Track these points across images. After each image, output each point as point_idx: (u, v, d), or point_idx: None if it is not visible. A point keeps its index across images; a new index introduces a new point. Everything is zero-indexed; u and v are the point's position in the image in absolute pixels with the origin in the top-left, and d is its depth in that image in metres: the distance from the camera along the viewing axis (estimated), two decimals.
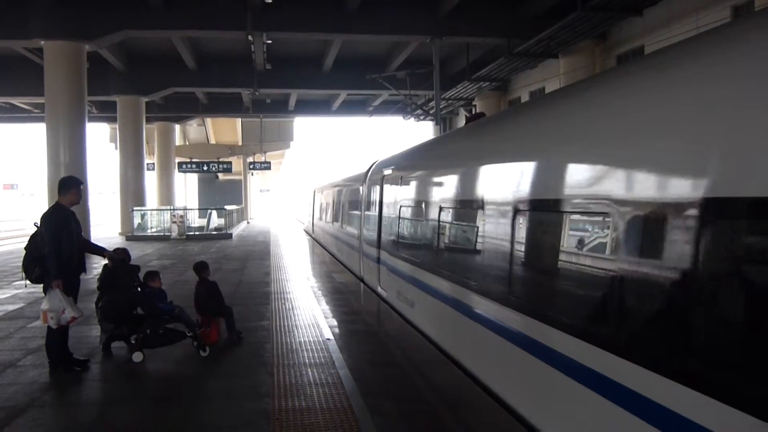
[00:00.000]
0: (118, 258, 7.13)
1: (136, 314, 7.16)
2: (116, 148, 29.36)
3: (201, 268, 8.08)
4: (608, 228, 3.56)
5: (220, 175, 50.70)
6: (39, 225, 6.45)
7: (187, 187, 54.25)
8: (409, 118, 27.86)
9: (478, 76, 22.26)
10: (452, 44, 21.61)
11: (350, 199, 15.30)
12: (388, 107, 31.66)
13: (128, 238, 25.02)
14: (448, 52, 23.64)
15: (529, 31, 17.65)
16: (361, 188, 13.43)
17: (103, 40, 18.32)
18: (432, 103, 23.40)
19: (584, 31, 16.47)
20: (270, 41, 18.81)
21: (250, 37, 17.84)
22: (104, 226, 31.68)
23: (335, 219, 18.11)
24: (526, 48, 18.38)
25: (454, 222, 6.85)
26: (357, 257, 13.48)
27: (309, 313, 9.57)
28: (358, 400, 5.50)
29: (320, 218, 23.11)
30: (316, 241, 24.41)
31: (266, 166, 44.08)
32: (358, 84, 25.66)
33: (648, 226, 3.20)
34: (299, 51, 23.83)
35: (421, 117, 27.15)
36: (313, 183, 31.20)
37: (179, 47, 21.23)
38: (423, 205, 7.94)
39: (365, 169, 13.56)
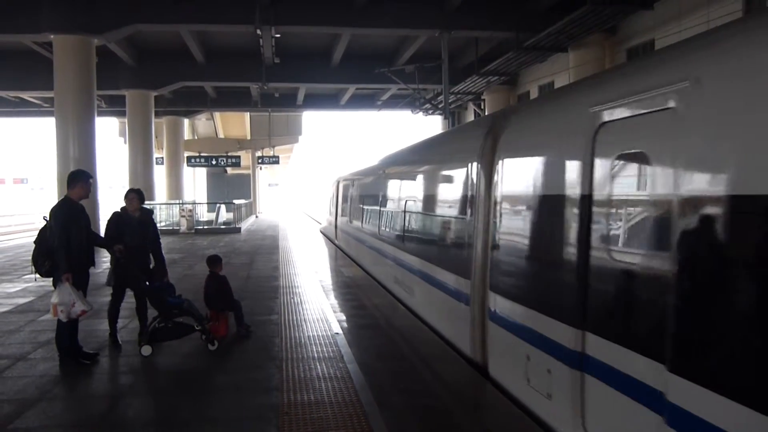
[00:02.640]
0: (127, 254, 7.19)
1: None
2: (125, 142, 29.37)
3: (213, 262, 8.09)
4: None
5: (229, 170, 50.86)
6: (48, 219, 6.48)
7: (195, 182, 54.37)
8: (417, 113, 27.76)
9: (486, 70, 22.13)
10: (461, 38, 21.50)
11: (433, 193, 8.57)
12: (396, 101, 31.59)
13: None
14: (457, 46, 23.52)
15: (539, 25, 17.53)
16: (472, 168, 6.66)
17: (113, 34, 18.31)
18: (441, 98, 23.29)
19: (594, 24, 16.32)
20: (278, 35, 18.75)
21: (258, 31, 17.79)
22: None
23: (389, 225, 11.41)
24: (536, 42, 18.24)
25: None
26: (465, 317, 6.52)
27: (317, 308, 9.58)
28: (367, 394, 5.50)
29: (351, 220, 17.04)
30: (342, 251, 18.43)
31: (275, 160, 44.10)
32: (366, 78, 25.57)
33: None
34: (308, 45, 23.77)
35: (430, 111, 27.05)
36: (337, 172, 24.02)
37: (188, 41, 21.22)
38: None
39: (479, 130, 6.86)
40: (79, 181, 6.68)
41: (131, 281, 7.29)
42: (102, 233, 7.69)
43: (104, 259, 15.55)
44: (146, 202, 7.83)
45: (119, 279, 7.31)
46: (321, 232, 26.84)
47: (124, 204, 7.66)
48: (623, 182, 4.00)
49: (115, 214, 7.56)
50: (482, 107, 28.42)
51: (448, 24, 18.63)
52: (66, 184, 6.82)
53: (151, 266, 7.62)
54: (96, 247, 7.07)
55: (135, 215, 7.50)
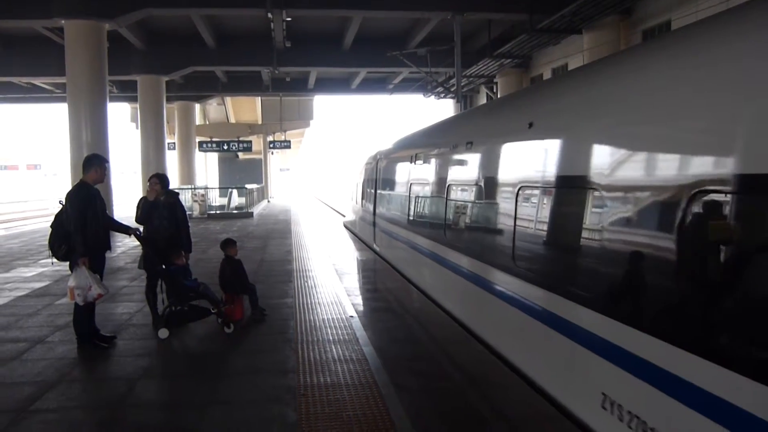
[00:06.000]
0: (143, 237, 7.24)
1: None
2: (137, 127, 29.52)
3: (228, 245, 8.12)
4: None
5: (240, 154, 50.93)
6: (64, 203, 6.50)
7: (207, 166, 54.51)
8: (429, 96, 27.65)
9: (499, 52, 21.96)
10: (474, 20, 21.32)
11: None
12: (408, 85, 31.41)
13: None
14: (470, 29, 23.30)
15: (552, 6, 17.32)
16: None
17: (124, 18, 18.30)
18: (453, 81, 23.14)
19: (609, 5, 16.13)
20: (289, 18, 18.66)
21: (269, 15, 17.71)
22: (127, 206, 31.95)
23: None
24: (549, 24, 18.05)
25: None
26: None
27: (331, 291, 9.60)
28: (383, 376, 5.53)
29: (409, 219, 11.12)
30: (391, 265, 12.28)
31: (286, 144, 44.08)
32: (378, 62, 25.43)
33: None
34: (319, 28, 23.65)
35: (442, 95, 26.91)
36: (371, 147, 17.89)
37: (199, 26, 21.16)
38: None
39: None
40: (94, 165, 6.69)
41: (147, 264, 7.35)
42: (115, 220, 7.71)
43: (119, 243, 15.66)
44: None
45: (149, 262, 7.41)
46: (346, 227, 21.51)
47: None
48: None
49: (143, 199, 7.65)
50: (495, 90, 28.23)
51: (460, 6, 18.44)
52: (81, 168, 6.85)
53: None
54: (112, 231, 7.10)
55: (161, 199, 7.56)
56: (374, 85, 33.40)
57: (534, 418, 4.78)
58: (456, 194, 8.34)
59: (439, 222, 8.98)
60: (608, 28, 18.02)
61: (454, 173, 8.51)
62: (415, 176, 10.88)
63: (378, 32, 23.71)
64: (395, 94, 33.77)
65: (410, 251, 10.83)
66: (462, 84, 23.08)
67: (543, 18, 18.01)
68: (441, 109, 34.26)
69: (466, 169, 7.99)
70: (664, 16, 16.25)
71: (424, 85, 27.46)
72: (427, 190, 9.86)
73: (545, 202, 5.52)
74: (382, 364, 5.85)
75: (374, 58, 24.99)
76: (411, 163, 11.33)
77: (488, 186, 6.97)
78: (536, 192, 5.64)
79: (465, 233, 7.98)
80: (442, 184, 8.94)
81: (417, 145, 11.43)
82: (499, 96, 26.51)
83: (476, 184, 7.38)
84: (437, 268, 8.87)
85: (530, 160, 5.92)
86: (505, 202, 6.39)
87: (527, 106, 6.60)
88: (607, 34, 18.01)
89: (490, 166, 7.06)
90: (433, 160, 9.91)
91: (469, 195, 7.81)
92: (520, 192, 5.91)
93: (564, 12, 16.75)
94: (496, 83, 27.58)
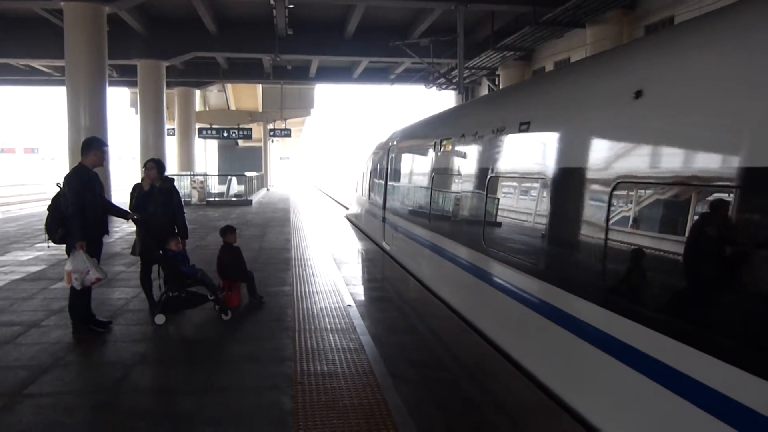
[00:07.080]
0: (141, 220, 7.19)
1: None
2: (136, 113, 29.38)
3: (227, 232, 8.08)
4: None
5: (240, 142, 50.84)
6: (62, 186, 6.44)
7: (207, 153, 54.41)
8: (431, 87, 27.54)
9: (502, 45, 21.87)
10: (477, 12, 21.21)
11: None
12: (410, 75, 31.32)
13: None
14: (473, 20, 23.20)
15: None
16: None
17: (123, 2, 18.17)
18: (455, 72, 23.04)
19: None
20: (292, 5, 18.57)
21: (271, 1, 17.62)
22: (125, 192, 31.85)
23: None
24: (553, 17, 17.98)
25: None
26: None
27: (330, 280, 9.56)
28: (380, 365, 5.50)
29: (430, 225, 9.27)
30: (405, 267, 10.67)
31: (286, 133, 43.96)
32: (380, 51, 25.31)
33: None
34: (321, 16, 23.54)
35: (444, 86, 26.81)
36: (384, 132, 15.60)
37: (200, 10, 21.01)
38: None
39: None
40: (93, 148, 6.63)
41: (145, 251, 7.31)
42: (114, 204, 7.65)
43: (116, 228, 15.61)
44: None
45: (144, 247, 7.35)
46: (349, 220, 20.12)
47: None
48: None
49: (137, 187, 7.57)
50: (496, 83, 28.14)
51: None
52: (79, 152, 6.78)
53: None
54: (110, 215, 7.03)
55: (156, 185, 7.50)
56: (376, 74, 33.29)
57: (532, 409, 4.76)
58: (502, 190, 6.61)
59: (474, 223, 7.28)
60: (611, 23, 17.95)
61: (500, 164, 6.60)
62: (440, 167, 9.07)
63: (381, 21, 23.60)
64: (397, 85, 33.66)
65: (431, 255, 9.11)
66: (464, 75, 22.96)
67: (546, 11, 17.94)
68: (442, 100, 34.20)
69: (520, 158, 6.23)
70: (668, 11, 16.17)
71: (426, 76, 27.35)
72: (457, 184, 8.15)
73: (670, 204, 3.85)
74: (380, 354, 5.82)
75: (376, 47, 24.87)
76: (434, 151, 9.50)
77: (558, 181, 5.13)
78: (652, 191, 3.95)
79: (520, 243, 6.09)
80: (479, 178, 7.13)
81: (442, 131, 9.47)
82: (500, 88, 26.39)
83: (535, 178, 5.63)
84: (472, 280, 7.12)
85: (638, 145, 4.15)
86: (588, 204, 4.60)
87: (630, 68, 4.54)
88: (610, 29, 17.94)
89: (560, 154, 5.20)
90: (465, 148, 7.95)
91: (524, 192, 6.10)
92: (616, 190, 4.20)
93: (567, 5, 16.68)
94: (498, 75, 27.49)
